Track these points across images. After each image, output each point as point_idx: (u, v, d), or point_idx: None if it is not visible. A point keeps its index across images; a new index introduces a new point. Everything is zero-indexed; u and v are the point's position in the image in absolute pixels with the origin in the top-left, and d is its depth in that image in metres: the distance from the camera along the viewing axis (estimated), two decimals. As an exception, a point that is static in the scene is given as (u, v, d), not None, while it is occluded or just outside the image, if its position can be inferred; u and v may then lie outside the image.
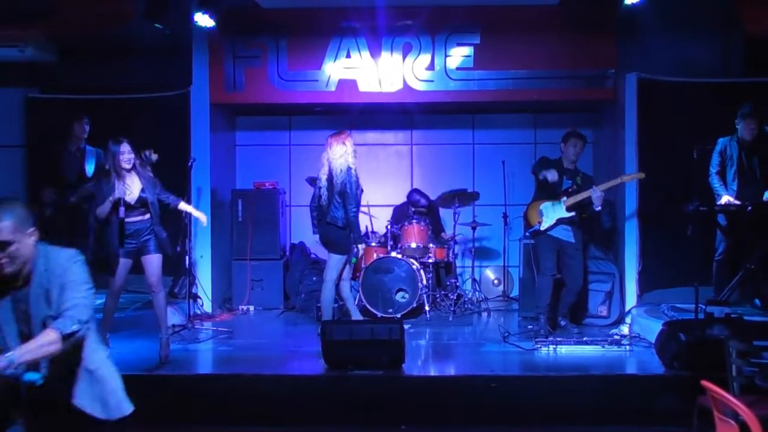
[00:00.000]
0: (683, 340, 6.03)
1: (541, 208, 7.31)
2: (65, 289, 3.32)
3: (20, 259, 3.29)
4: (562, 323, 7.63)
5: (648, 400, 5.92)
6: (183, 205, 6.94)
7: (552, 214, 7.27)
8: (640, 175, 7.34)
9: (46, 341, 3.18)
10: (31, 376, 3.21)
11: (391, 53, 8.71)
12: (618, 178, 7.29)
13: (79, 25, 8.71)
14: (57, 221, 7.80)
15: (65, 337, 3.22)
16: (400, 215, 9.26)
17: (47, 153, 8.50)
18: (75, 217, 7.71)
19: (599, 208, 7.23)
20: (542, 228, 7.28)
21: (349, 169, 7.08)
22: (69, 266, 3.39)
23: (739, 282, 7.43)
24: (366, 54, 8.72)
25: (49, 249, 3.43)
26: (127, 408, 3.58)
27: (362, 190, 7.38)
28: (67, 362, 3.38)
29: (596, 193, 7.11)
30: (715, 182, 7.54)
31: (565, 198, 7.24)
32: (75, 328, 3.26)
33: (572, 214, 7.25)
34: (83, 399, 3.44)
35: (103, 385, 3.50)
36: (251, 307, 9.03)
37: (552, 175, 7.17)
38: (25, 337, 3.31)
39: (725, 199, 7.39)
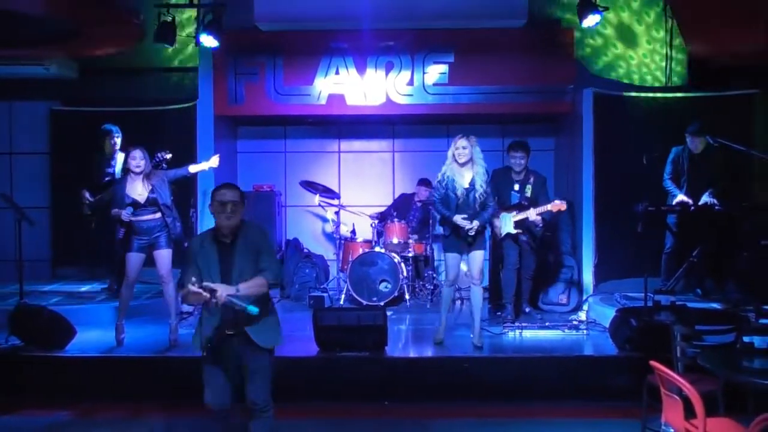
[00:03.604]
0: (634, 325, 6.06)
1: (501, 217, 7.20)
2: (262, 254, 4.17)
3: (235, 219, 4.14)
4: (527, 310, 7.66)
5: (603, 379, 5.97)
6: (193, 168, 6.96)
7: (506, 226, 7.18)
8: (563, 206, 6.93)
9: (260, 283, 4.07)
10: (253, 308, 3.89)
11: (375, 70, 8.65)
12: (550, 204, 6.95)
13: (97, 46, 8.71)
14: (93, 217, 7.96)
15: (269, 285, 4.13)
16: (403, 204, 9.12)
17: (68, 159, 8.57)
18: (106, 215, 7.66)
19: (539, 228, 7.17)
20: (500, 237, 7.26)
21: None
22: (262, 237, 4.26)
23: (683, 273, 7.46)
24: (353, 71, 8.65)
25: (249, 223, 4.31)
26: (278, 341, 4.38)
27: (456, 195, 6.35)
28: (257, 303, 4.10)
29: (531, 218, 7.02)
30: (669, 185, 7.52)
31: (515, 212, 7.13)
32: (274, 280, 4.17)
33: (518, 231, 7.14)
34: (253, 329, 4.19)
35: (265, 324, 4.25)
36: (252, 297, 8.88)
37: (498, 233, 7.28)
38: (224, 274, 4.09)
39: (680, 197, 7.38)
